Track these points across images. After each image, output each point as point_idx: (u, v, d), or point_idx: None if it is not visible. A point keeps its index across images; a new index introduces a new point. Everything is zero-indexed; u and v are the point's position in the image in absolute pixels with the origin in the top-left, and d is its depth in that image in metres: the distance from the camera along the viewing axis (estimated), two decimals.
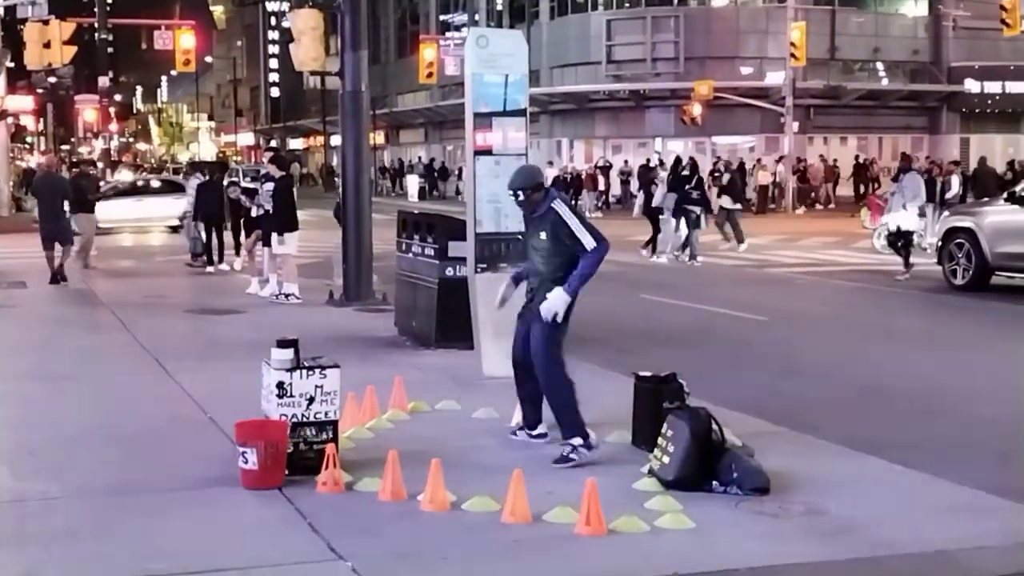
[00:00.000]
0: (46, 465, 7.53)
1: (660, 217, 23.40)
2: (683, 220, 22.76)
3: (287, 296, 16.00)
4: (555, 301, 7.49)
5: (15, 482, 7.16)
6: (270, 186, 16.27)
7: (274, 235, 16.05)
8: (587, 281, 7.56)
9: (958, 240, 18.29)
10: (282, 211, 16.00)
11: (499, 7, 55.89)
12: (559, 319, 7.53)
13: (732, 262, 23.31)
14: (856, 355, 12.62)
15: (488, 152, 10.28)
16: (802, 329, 14.59)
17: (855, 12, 49.19)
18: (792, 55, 40.75)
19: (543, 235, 7.64)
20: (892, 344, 13.38)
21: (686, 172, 23.65)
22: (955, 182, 27.49)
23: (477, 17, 56.79)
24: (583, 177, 43.17)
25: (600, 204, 43.55)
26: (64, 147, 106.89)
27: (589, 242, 7.51)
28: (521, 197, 7.77)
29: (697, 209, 22.79)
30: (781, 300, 17.51)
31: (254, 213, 16.90)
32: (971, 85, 47.89)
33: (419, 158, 62.57)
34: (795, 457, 7.59)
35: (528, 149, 10.57)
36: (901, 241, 19.56)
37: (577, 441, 7.47)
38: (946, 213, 20.45)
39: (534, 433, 8.05)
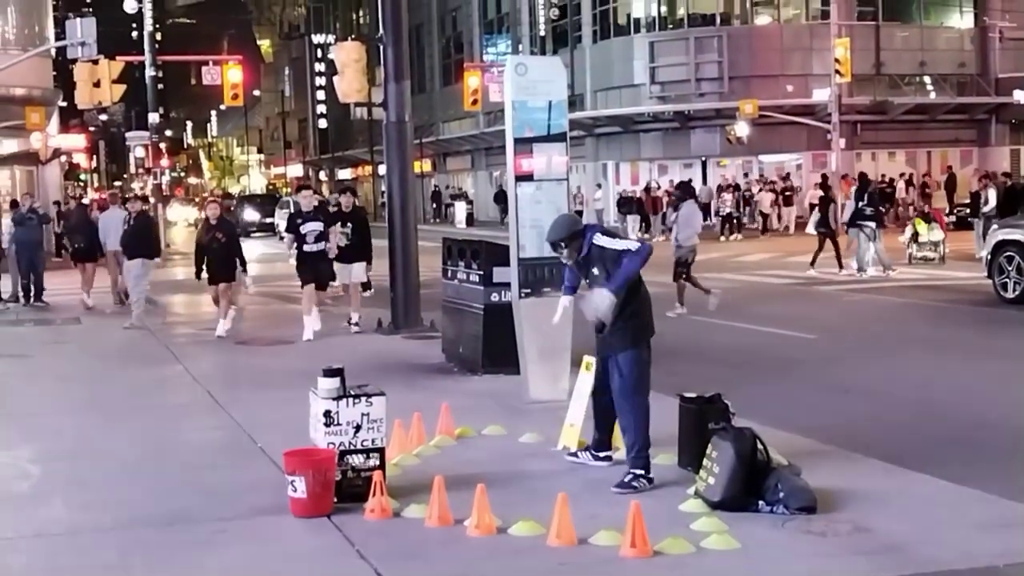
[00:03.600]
0: (99, 497, 7.67)
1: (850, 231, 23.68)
2: (859, 234, 23.19)
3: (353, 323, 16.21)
4: (599, 302, 7.50)
5: (69, 514, 7.30)
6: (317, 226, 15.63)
7: (355, 266, 16.61)
8: (629, 279, 7.56)
9: (1008, 253, 18.12)
10: (366, 241, 16.80)
11: (542, 33, 56.04)
12: (607, 319, 7.53)
13: (781, 280, 23.21)
14: (906, 371, 12.53)
15: (530, 177, 10.34)
16: (851, 346, 14.50)
17: (900, 27, 48.82)
18: (837, 71, 40.51)
19: (596, 271, 7.72)
20: (942, 359, 13.27)
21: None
22: (992, 195, 27.22)
23: (520, 46, 56.97)
24: (646, 199, 41.75)
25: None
26: (116, 183, 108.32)
27: (632, 245, 7.65)
28: (563, 247, 7.86)
29: (871, 224, 23.06)
30: (829, 317, 17.41)
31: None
32: (1020, 96, 47.22)
33: (467, 185, 62.56)
34: (842, 475, 7.56)
35: (569, 173, 10.62)
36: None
37: (641, 472, 7.50)
38: (995, 226, 20.23)
39: (600, 455, 8.09)
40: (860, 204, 23.30)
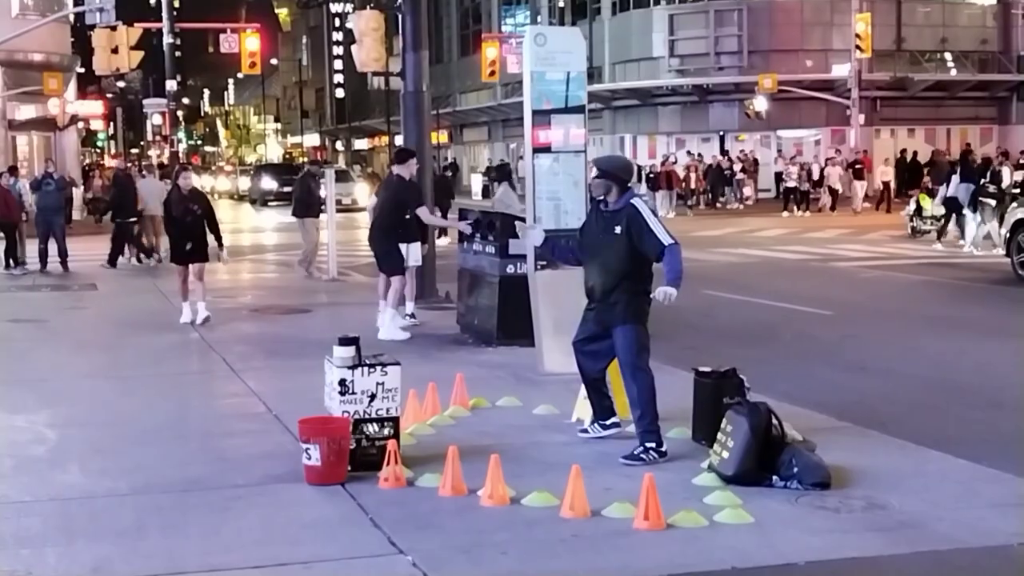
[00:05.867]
0: (115, 462, 7.70)
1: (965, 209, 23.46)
2: (980, 212, 22.85)
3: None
4: (669, 291, 7.46)
5: (85, 479, 7.33)
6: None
7: (412, 246, 13.31)
8: (681, 275, 7.49)
9: None
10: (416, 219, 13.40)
11: (561, 4, 55.78)
12: (674, 297, 7.47)
13: (798, 256, 23.14)
14: (922, 349, 12.49)
15: (547, 149, 10.30)
16: (867, 323, 14.46)
17: (921, 2, 48.47)
18: (858, 47, 40.29)
19: (618, 229, 7.61)
20: (958, 337, 13.23)
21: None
22: (1006, 173, 27.12)
23: (539, 17, 56.73)
24: (662, 174, 38.95)
25: (690, 203, 39.71)
26: (133, 150, 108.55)
27: (666, 238, 7.54)
28: (607, 180, 7.72)
29: (993, 202, 22.66)
30: (846, 294, 17.36)
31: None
32: None
33: (490, 160, 62.02)
34: (857, 452, 7.55)
35: (587, 146, 10.59)
36: None
37: (652, 445, 7.50)
38: (1013, 204, 20.11)
39: (607, 423, 8.08)
40: (983, 182, 23.00)
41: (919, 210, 26.77)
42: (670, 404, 8.03)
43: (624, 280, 7.59)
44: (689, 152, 44.07)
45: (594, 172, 7.88)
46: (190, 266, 14.18)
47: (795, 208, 36.79)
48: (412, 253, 13.33)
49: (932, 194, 27.39)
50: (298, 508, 6.63)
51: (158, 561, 5.79)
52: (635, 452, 7.46)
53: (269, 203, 52.98)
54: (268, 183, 55.11)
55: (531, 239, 8.74)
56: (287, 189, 51.88)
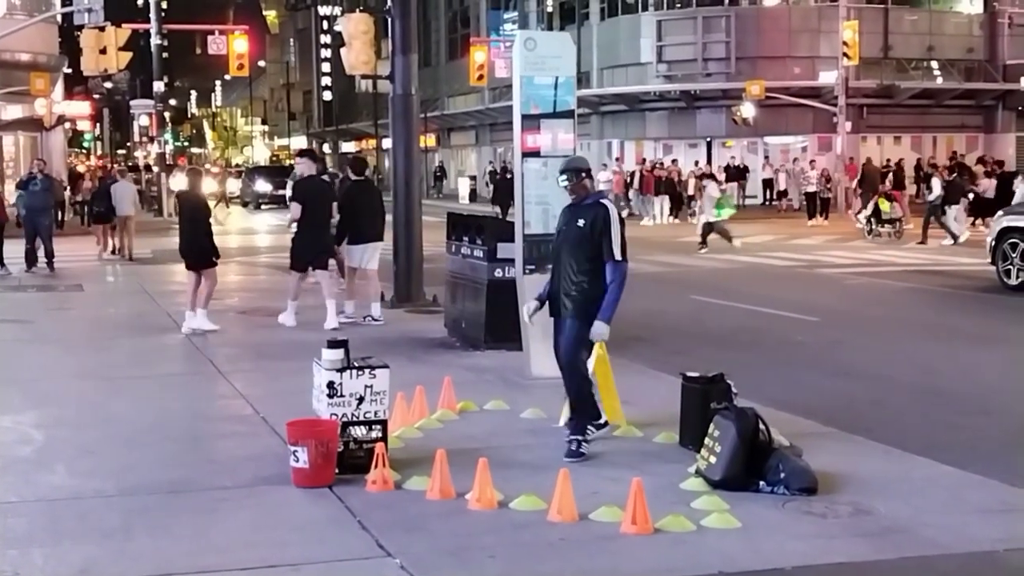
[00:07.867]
0: (102, 463, 7.69)
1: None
2: None
3: (366, 318, 14.11)
4: (597, 332, 7.70)
5: (72, 480, 7.31)
6: None
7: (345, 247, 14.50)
8: (617, 304, 7.70)
9: (1012, 240, 18.09)
10: (350, 219, 14.23)
11: (549, 9, 55.81)
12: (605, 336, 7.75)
13: (784, 262, 23.19)
14: (908, 356, 12.53)
15: (536, 154, 10.32)
16: (853, 330, 14.49)
17: (908, 10, 48.67)
18: (845, 54, 40.38)
19: (581, 222, 7.75)
20: (944, 344, 13.28)
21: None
22: (936, 184, 27.24)
23: (528, 22, 56.75)
24: (653, 178, 38.07)
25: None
26: (120, 151, 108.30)
27: (616, 253, 7.68)
28: (572, 180, 7.88)
29: None
30: (832, 301, 17.39)
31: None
32: None
33: (491, 163, 61.37)
34: (844, 458, 7.57)
35: (576, 151, 10.59)
36: None
37: (580, 437, 7.70)
38: (999, 212, 20.19)
39: (599, 423, 8.13)
40: None
41: (877, 213, 27.28)
42: (657, 409, 8.07)
43: (582, 274, 7.74)
44: (675, 160, 44.02)
45: (567, 179, 7.93)
46: (203, 271, 13.84)
47: (817, 215, 35.34)
48: (357, 253, 14.26)
49: (890, 199, 27.87)
50: (286, 510, 6.63)
51: (146, 563, 5.78)
52: (574, 449, 7.65)
53: (263, 206, 52.95)
54: (262, 186, 54.94)
55: (530, 312, 8.52)
56: (281, 192, 51.91)
